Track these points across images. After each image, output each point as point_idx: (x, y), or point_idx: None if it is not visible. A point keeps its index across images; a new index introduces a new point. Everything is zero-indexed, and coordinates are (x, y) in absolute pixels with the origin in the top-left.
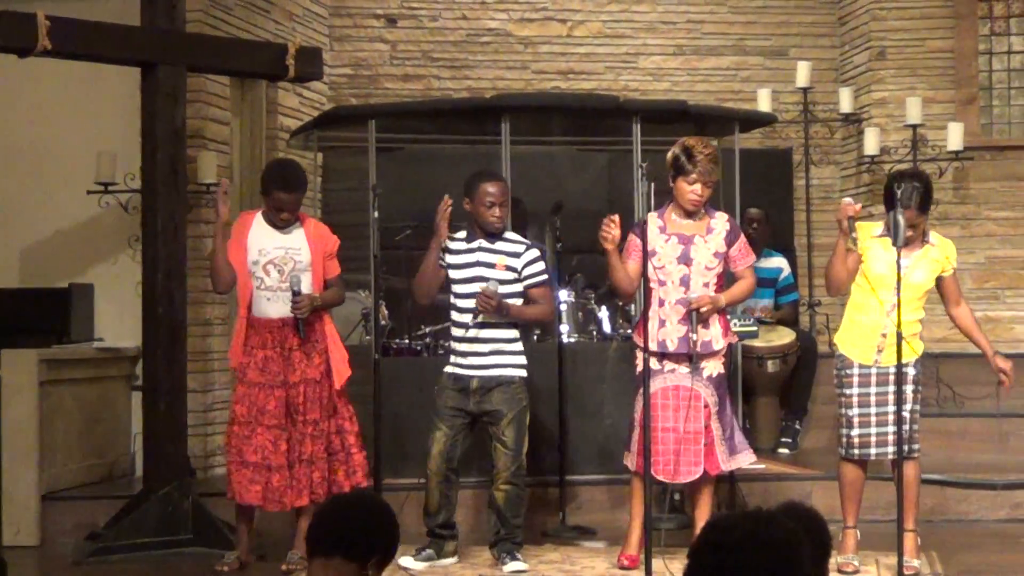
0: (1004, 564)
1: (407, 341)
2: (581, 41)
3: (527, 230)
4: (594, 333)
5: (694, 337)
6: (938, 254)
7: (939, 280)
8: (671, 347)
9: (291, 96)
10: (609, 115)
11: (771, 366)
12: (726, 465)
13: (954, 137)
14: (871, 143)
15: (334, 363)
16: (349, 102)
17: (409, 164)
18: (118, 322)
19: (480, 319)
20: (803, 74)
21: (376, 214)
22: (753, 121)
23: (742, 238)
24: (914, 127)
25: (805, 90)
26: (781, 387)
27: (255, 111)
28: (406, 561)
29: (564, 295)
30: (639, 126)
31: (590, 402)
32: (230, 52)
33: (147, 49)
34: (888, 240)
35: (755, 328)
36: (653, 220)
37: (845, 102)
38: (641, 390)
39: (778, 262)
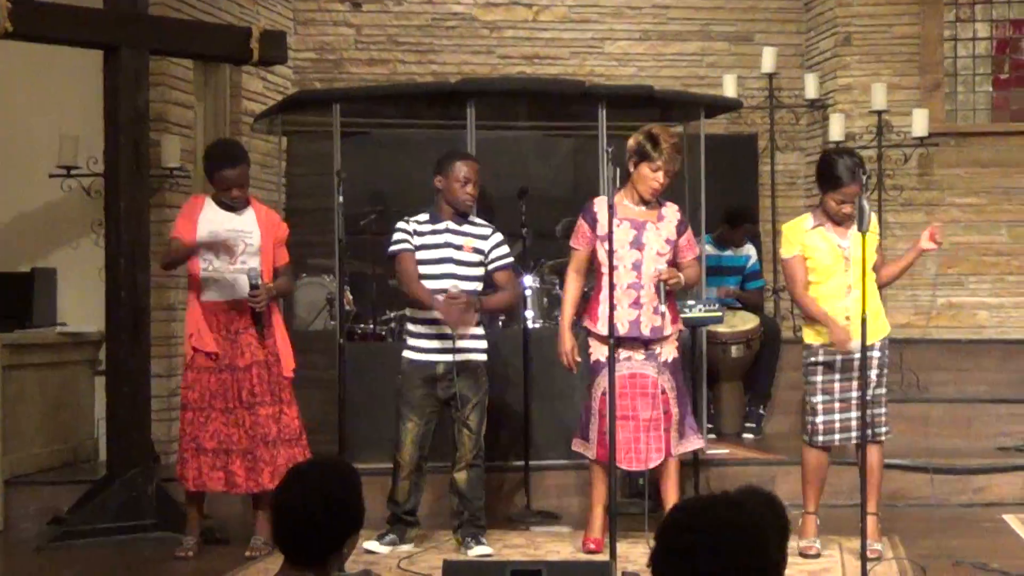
0: (966, 548)
1: (372, 326)
2: (547, 26)
3: (493, 216)
4: (559, 319)
5: (663, 308)
6: (873, 227)
7: None
8: (622, 331)
9: (255, 80)
10: (575, 100)
11: (735, 351)
12: (675, 450)
13: (919, 123)
14: (836, 129)
15: (282, 351)
16: (314, 86)
17: (374, 149)
18: (81, 306)
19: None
20: (768, 60)
21: (341, 199)
22: (718, 106)
23: (690, 230)
24: (879, 113)
25: (771, 76)
26: (745, 372)
27: (219, 95)
28: (371, 545)
29: (529, 281)
30: (605, 111)
31: (554, 388)
32: (193, 35)
33: (110, 32)
34: (823, 229)
35: (720, 313)
36: (604, 205)
37: (810, 88)
38: (596, 378)
39: (747, 250)
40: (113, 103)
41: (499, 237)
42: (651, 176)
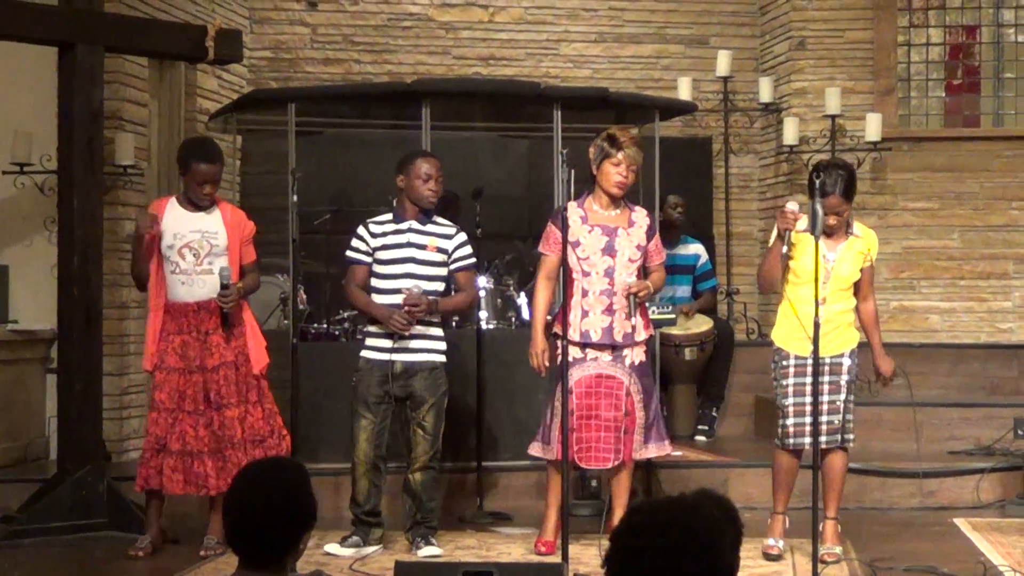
0: (918, 551)
1: (325, 326)
2: (502, 27)
3: (457, 218)
4: (512, 319)
5: (633, 322)
6: (862, 245)
7: None
8: (594, 338)
9: (210, 78)
10: (530, 101)
11: (688, 354)
12: (637, 454)
13: (872, 128)
14: (790, 133)
15: (253, 349)
16: (269, 85)
17: (329, 148)
18: (33, 304)
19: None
20: (723, 63)
21: (295, 198)
22: (673, 109)
23: (658, 235)
24: (833, 117)
25: (725, 79)
26: (698, 375)
27: (174, 93)
28: (332, 548)
29: (483, 281)
30: (559, 113)
31: (508, 389)
32: (149, 33)
33: (65, 29)
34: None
35: (673, 316)
36: (574, 210)
37: (765, 92)
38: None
39: (695, 248)
40: (67, 100)
41: (463, 237)
42: (614, 171)
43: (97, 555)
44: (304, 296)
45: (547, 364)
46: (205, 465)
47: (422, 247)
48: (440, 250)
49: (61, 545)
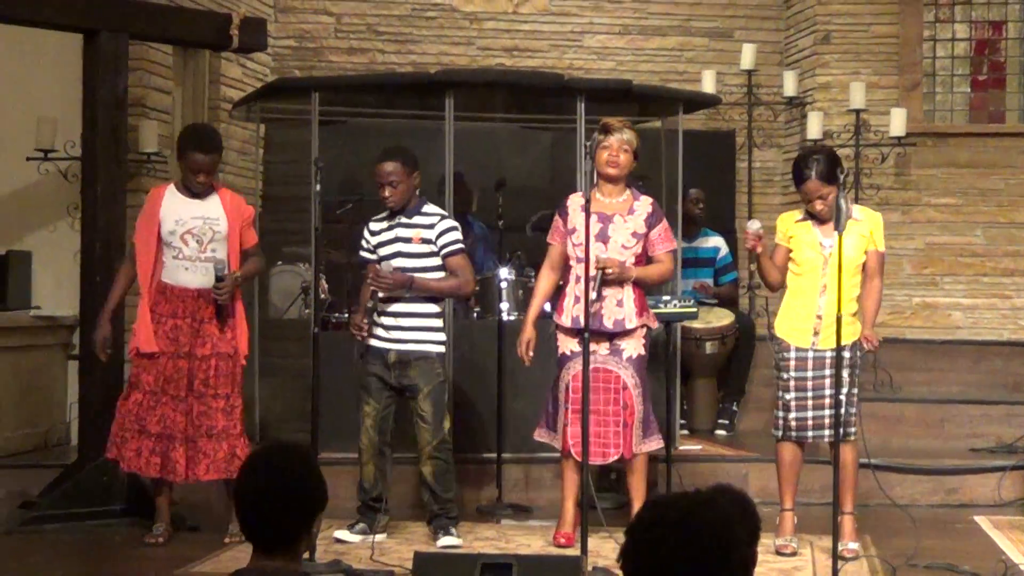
0: (938, 549)
1: (347, 315)
2: (526, 18)
3: (471, 206)
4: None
5: (592, 296)
6: (864, 228)
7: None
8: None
9: (234, 67)
10: (553, 93)
11: (709, 347)
12: (637, 448)
13: (897, 123)
14: (814, 127)
15: (240, 340)
16: (293, 74)
17: (352, 138)
18: (56, 290)
19: (380, 296)
20: (748, 56)
21: (318, 187)
22: (697, 102)
23: (664, 223)
24: (857, 112)
25: (749, 72)
26: (719, 369)
27: (198, 81)
28: (341, 534)
29: (504, 273)
30: (583, 105)
31: (528, 380)
32: (173, 20)
33: (89, 15)
34: (809, 224)
35: (694, 310)
36: (577, 199)
37: (789, 85)
38: (562, 371)
39: (716, 241)
40: (92, 87)
41: (447, 224)
42: (605, 154)
43: (116, 541)
44: (325, 285)
45: (531, 354)
46: (177, 451)
47: (408, 240)
48: (424, 240)
49: (81, 531)
